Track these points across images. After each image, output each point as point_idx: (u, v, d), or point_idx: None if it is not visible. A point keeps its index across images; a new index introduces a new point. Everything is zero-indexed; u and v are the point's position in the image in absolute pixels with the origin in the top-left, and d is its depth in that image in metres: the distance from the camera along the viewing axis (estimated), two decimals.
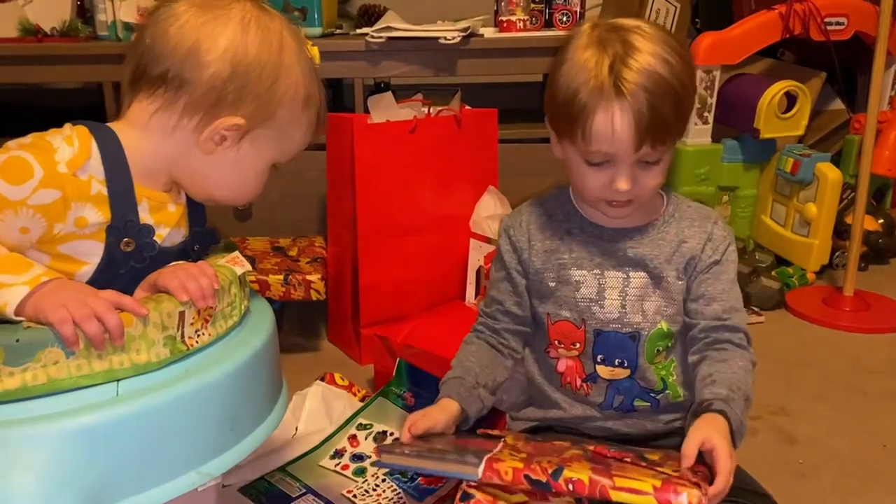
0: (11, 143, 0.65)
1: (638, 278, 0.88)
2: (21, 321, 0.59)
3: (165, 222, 0.73)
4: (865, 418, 1.27)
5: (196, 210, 0.77)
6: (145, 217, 0.71)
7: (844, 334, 1.58)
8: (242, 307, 0.73)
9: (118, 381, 0.61)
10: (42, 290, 0.60)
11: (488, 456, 0.72)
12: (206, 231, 0.78)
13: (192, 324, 0.65)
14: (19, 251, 0.64)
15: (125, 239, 0.69)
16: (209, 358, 0.67)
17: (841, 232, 1.78)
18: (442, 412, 0.86)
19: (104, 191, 0.67)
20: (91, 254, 0.68)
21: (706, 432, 0.74)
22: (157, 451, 0.61)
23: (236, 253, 0.77)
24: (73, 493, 0.56)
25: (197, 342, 0.66)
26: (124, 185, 0.68)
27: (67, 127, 0.68)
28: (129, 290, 0.69)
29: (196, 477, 0.62)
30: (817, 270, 1.77)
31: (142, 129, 0.70)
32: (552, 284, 0.90)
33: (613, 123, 0.78)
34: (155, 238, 0.71)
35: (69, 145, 0.66)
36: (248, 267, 0.75)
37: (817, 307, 1.67)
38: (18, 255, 0.62)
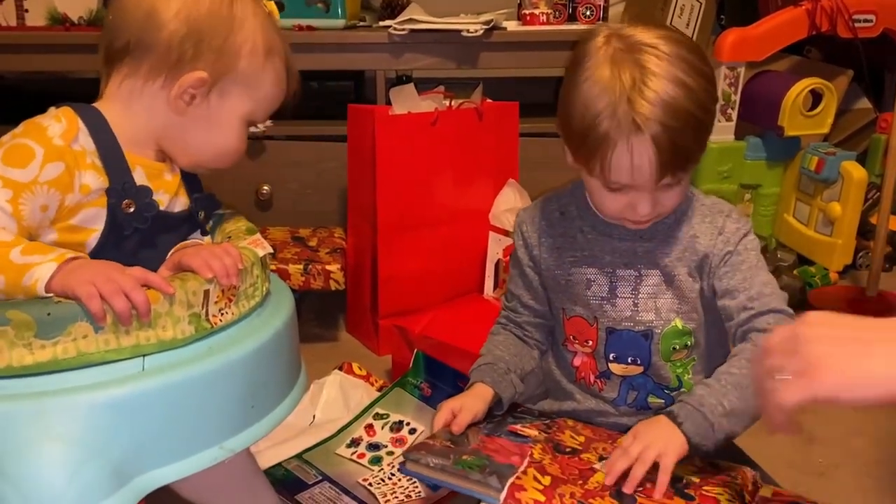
0: (5, 137, 0.68)
1: (650, 276, 0.86)
2: (50, 297, 0.60)
3: (165, 189, 0.75)
4: (886, 419, 1.25)
5: (191, 179, 0.79)
6: (142, 182, 0.73)
7: None
8: (264, 288, 0.74)
9: (144, 356, 0.62)
10: (69, 267, 0.61)
11: (511, 481, 0.73)
12: (206, 196, 0.80)
13: (215, 302, 0.66)
14: (39, 231, 0.67)
15: (125, 200, 0.71)
16: (232, 336, 0.68)
17: (865, 232, 1.75)
18: (477, 400, 0.86)
19: (97, 161, 0.70)
20: (96, 220, 0.71)
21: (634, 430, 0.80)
22: (181, 425, 0.62)
23: (257, 235, 0.77)
24: (101, 463, 0.57)
25: (221, 320, 0.67)
26: (114, 152, 0.71)
27: (51, 109, 0.71)
28: (137, 255, 0.72)
29: (219, 452, 0.63)
30: (840, 270, 1.74)
31: (115, 101, 0.73)
32: (563, 282, 0.90)
33: (633, 159, 0.75)
34: (155, 200, 0.73)
35: (58, 122, 0.69)
36: (270, 249, 0.76)
37: (840, 307, 1.65)
38: (40, 243, 0.65)
